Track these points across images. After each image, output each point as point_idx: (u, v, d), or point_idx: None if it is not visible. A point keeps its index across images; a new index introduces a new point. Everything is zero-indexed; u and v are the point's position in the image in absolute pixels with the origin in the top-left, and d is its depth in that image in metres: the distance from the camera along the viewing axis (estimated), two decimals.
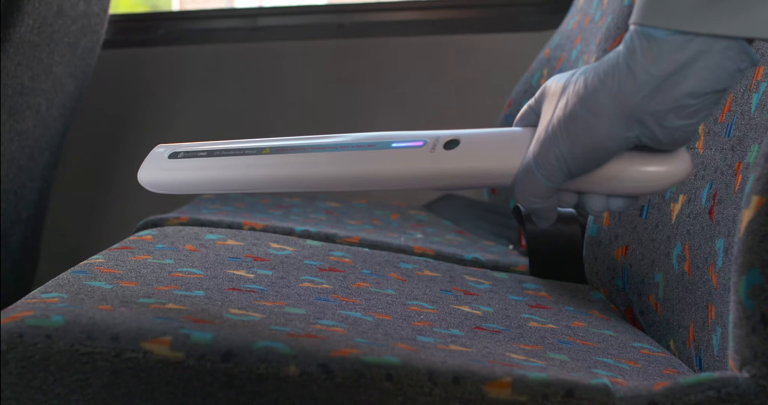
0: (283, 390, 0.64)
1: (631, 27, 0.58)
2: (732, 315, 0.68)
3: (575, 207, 0.67)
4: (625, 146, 0.60)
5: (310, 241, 1.09)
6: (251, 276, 0.88)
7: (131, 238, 1.01)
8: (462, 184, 0.65)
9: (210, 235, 1.04)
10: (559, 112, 0.62)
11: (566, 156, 0.61)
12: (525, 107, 0.68)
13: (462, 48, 2.02)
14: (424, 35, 2.05)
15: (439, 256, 1.23)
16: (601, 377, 0.69)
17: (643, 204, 1.04)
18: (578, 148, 0.60)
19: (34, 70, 1.47)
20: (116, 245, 0.96)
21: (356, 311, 0.80)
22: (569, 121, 0.60)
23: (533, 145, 0.63)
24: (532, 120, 0.67)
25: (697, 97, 0.57)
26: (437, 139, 0.65)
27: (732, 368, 0.67)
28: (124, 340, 0.65)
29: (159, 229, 1.07)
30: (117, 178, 2.12)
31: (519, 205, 0.65)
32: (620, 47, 0.59)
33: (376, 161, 0.65)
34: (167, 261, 0.89)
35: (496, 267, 1.23)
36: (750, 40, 0.57)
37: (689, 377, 0.67)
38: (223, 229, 1.08)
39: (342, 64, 2.06)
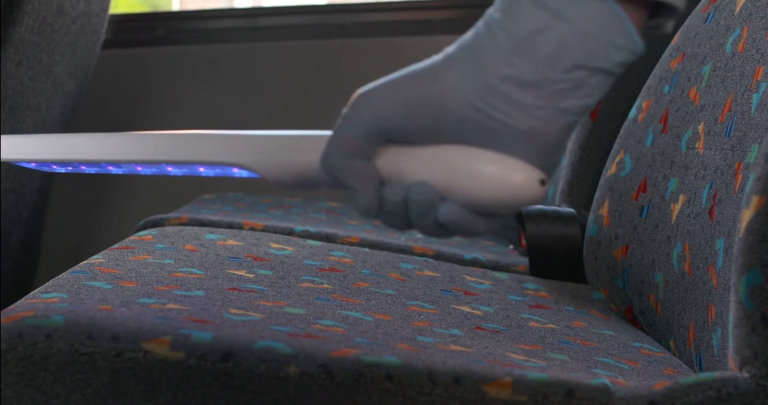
0: (283, 390, 0.64)
1: None
2: (732, 315, 0.68)
3: (401, 212, 0.55)
4: (467, 117, 0.51)
5: (310, 241, 1.09)
6: (251, 276, 0.88)
7: (131, 238, 1.01)
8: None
9: (210, 235, 1.04)
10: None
11: (391, 102, 0.52)
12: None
13: None
14: (424, 35, 2.05)
15: (439, 256, 1.23)
16: (602, 377, 0.69)
17: (643, 204, 1.04)
18: (407, 97, 0.52)
19: (34, 69, 1.47)
20: (116, 245, 0.96)
21: (356, 311, 0.80)
22: (407, 72, 0.53)
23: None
24: None
25: (560, 69, 0.50)
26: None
27: (732, 368, 0.67)
28: (124, 340, 0.65)
29: (159, 229, 1.07)
30: (117, 178, 2.12)
31: (323, 165, 0.54)
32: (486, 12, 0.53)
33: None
34: (167, 261, 0.89)
35: (496, 267, 1.23)
36: (636, 16, 0.51)
37: (689, 377, 0.67)
38: (223, 229, 1.08)
39: (342, 64, 2.06)
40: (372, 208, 0.54)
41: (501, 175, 0.51)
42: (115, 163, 0.61)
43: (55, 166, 0.64)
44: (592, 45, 0.50)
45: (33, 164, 0.64)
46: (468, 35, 0.52)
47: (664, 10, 0.53)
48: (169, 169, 0.62)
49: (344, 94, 2.28)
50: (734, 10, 0.95)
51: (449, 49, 0.53)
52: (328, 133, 0.56)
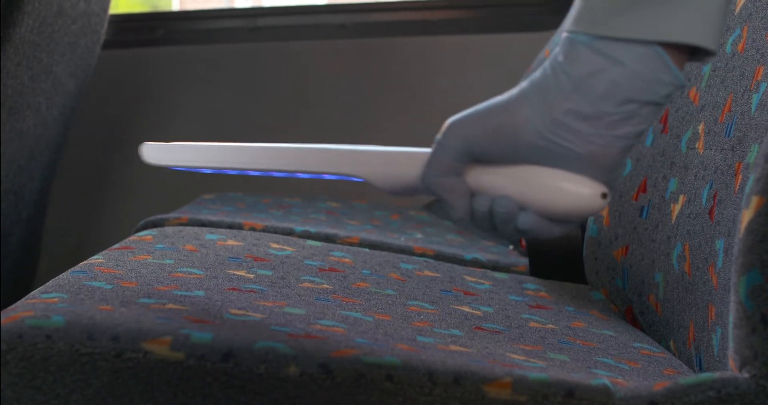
0: (283, 390, 0.64)
1: (562, 35, 0.61)
2: (732, 315, 0.68)
3: (488, 221, 0.65)
4: (537, 146, 0.60)
5: (310, 242, 1.09)
6: (251, 276, 0.88)
7: (131, 238, 1.01)
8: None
9: (210, 235, 1.04)
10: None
11: (476, 131, 0.62)
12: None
13: (462, 48, 2.02)
14: (424, 35, 2.05)
15: (439, 257, 1.23)
16: (602, 377, 0.69)
17: (643, 204, 1.04)
18: (490, 126, 0.61)
19: (34, 69, 1.47)
20: (116, 245, 0.96)
21: (356, 311, 0.81)
22: (489, 105, 0.62)
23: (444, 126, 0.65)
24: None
25: (614, 104, 0.59)
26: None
27: (732, 368, 0.67)
28: (125, 340, 0.65)
29: (159, 229, 1.07)
30: (117, 178, 2.12)
31: (423, 181, 0.66)
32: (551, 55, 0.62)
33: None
34: (167, 261, 0.89)
35: (496, 267, 1.23)
36: (678, 55, 0.59)
37: (689, 377, 0.67)
38: (223, 230, 1.08)
39: (343, 64, 2.06)
40: (464, 216, 0.65)
41: (569, 189, 0.61)
42: (256, 171, 0.73)
43: (203, 170, 0.76)
44: (640, 83, 0.58)
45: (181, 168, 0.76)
46: (537, 74, 0.61)
47: (701, 52, 0.61)
48: (300, 175, 0.73)
49: (344, 94, 2.29)
50: (734, 10, 0.95)
51: (523, 85, 0.62)
52: (428, 150, 0.66)
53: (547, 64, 0.61)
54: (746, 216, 0.68)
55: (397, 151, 0.68)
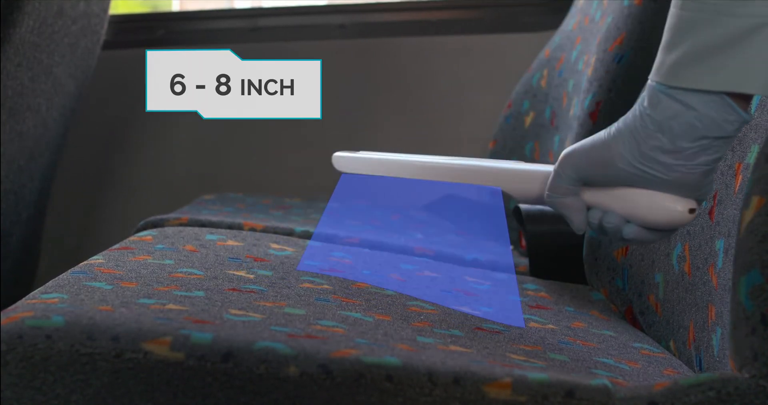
0: (283, 390, 0.64)
1: (648, 83, 0.72)
2: (732, 315, 0.68)
3: (601, 230, 0.78)
4: (633, 173, 0.73)
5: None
6: (251, 276, 0.88)
7: (131, 238, 1.01)
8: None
9: (210, 235, 1.04)
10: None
11: (583, 162, 0.76)
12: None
13: (462, 48, 2.02)
14: (424, 35, 2.05)
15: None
16: (602, 378, 0.69)
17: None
18: (593, 159, 0.75)
19: (34, 70, 1.47)
20: (116, 246, 0.96)
21: (356, 312, 0.80)
22: (593, 140, 0.76)
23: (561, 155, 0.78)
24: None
25: (690, 140, 0.70)
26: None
27: (732, 369, 0.67)
28: (125, 340, 0.65)
29: (159, 229, 1.07)
30: (117, 178, 2.12)
31: (546, 201, 0.80)
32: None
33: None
34: (167, 261, 0.89)
35: (496, 267, 1.23)
36: (742, 96, 0.69)
37: (689, 378, 0.67)
38: (223, 230, 1.08)
39: (342, 64, 2.06)
40: (582, 227, 0.78)
41: (664, 205, 0.73)
42: (419, 179, 0.89)
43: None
44: (711, 123, 0.69)
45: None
46: (629, 115, 0.73)
47: None
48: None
49: (344, 95, 2.28)
50: None
51: (618, 125, 0.74)
52: (550, 168, 0.79)
53: (636, 107, 0.73)
54: (746, 216, 0.68)
55: (525, 169, 0.83)
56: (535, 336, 0.83)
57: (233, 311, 0.74)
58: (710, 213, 0.86)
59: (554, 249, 1.16)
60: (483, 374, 0.65)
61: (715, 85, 0.69)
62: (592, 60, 1.33)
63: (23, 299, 0.74)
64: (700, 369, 0.83)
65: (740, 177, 0.81)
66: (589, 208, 0.79)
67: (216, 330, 0.67)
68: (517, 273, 1.20)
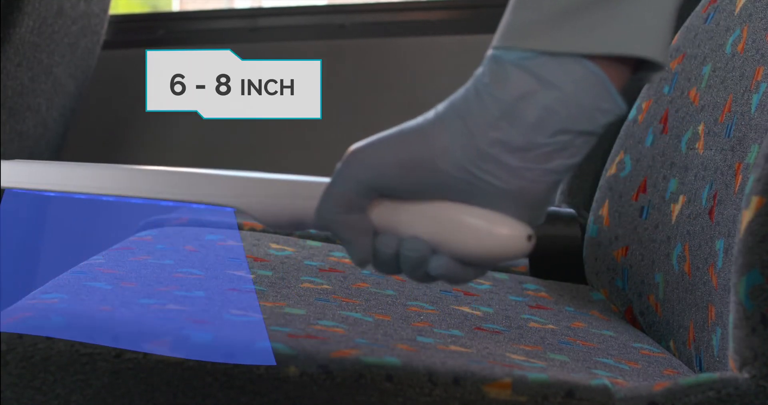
0: (283, 390, 0.64)
1: (487, 53, 0.54)
2: (732, 316, 0.68)
3: (396, 263, 0.57)
4: (458, 179, 0.53)
5: (310, 242, 1.09)
6: (251, 276, 0.88)
7: (131, 238, 1.01)
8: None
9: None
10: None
11: (384, 161, 0.54)
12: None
13: (462, 48, 2.02)
14: (424, 36, 2.05)
15: None
16: (601, 378, 0.69)
17: (643, 205, 1.04)
18: (401, 157, 0.54)
19: (34, 70, 1.47)
20: (116, 246, 0.96)
21: (356, 312, 0.80)
22: (401, 130, 0.55)
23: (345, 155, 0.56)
24: None
25: (547, 134, 0.51)
26: None
27: (732, 369, 0.67)
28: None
29: (159, 229, 1.07)
30: None
31: (318, 217, 0.57)
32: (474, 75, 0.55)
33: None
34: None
35: (495, 267, 1.23)
36: (619, 77, 0.52)
37: (689, 378, 0.67)
38: (223, 230, 1.08)
39: (342, 64, 2.06)
40: (366, 259, 0.56)
41: (489, 230, 0.53)
42: (110, 196, 0.64)
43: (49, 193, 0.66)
44: (577, 110, 0.51)
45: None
46: (458, 95, 0.54)
47: (647, 65, 0.54)
48: (163, 202, 0.63)
49: (343, 95, 2.28)
50: (734, 10, 0.95)
51: (440, 107, 0.54)
52: (324, 180, 0.57)
53: (470, 84, 0.54)
54: (746, 216, 0.68)
55: (284, 179, 0.59)
56: (535, 336, 0.83)
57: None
58: (710, 213, 0.86)
59: (554, 249, 1.16)
60: (483, 374, 0.65)
61: (588, 46, 0.50)
62: None
63: (23, 299, 0.74)
64: (700, 369, 0.83)
65: (740, 177, 0.81)
66: (378, 233, 0.56)
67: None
68: (517, 273, 1.20)
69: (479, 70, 0.54)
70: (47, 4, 1.44)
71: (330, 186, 0.56)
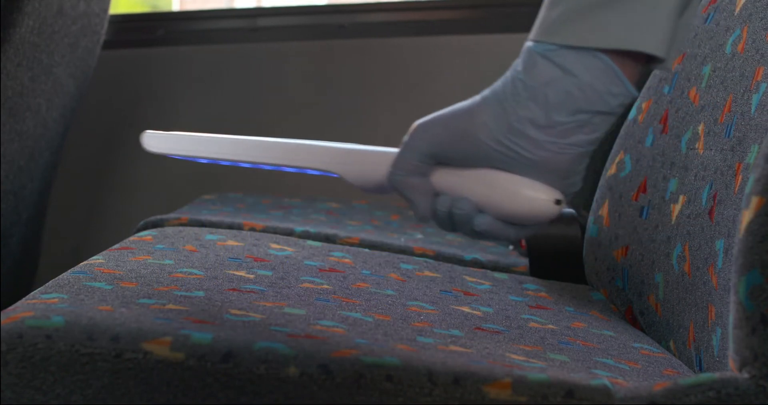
0: (283, 390, 0.64)
1: (525, 45, 0.65)
2: (732, 316, 0.68)
3: (449, 219, 0.68)
4: (495, 150, 0.64)
5: (310, 242, 1.09)
6: (251, 277, 0.88)
7: (131, 238, 1.01)
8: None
9: (210, 235, 1.04)
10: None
11: (440, 134, 0.65)
12: None
13: (462, 48, 2.02)
14: (424, 36, 2.05)
15: (439, 257, 1.23)
16: (601, 378, 0.69)
17: (643, 205, 1.04)
18: (452, 130, 0.65)
19: (34, 70, 1.47)
20: (116, 246, 0.96)
21: (356, 312, 0.81)
22: (454, 109, 0.66)
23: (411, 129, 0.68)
24: None
25: (566, 113, 0.62)
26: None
27: (732, 369, 0.67)
28: (125, 340, 0.65)
29: (159, 229, 1.07)
30: (117, 178, 2.12)
31: (389, 180, 0.69)
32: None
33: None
34: (167, 261, 0.89)
35: (496, 267, 1.23)
36: (630, 66, 0.61)
37: (689, 378, 0.67)
38: (223, 230, 1.08)
39: (342, 64, 2.06)
40: (427, 215, 0.68)
41: (521, 193, 0.64)
42: (246, 163, 0.76)
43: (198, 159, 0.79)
44: (592, 94, 0.62)
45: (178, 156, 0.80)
46: (499, 82, 0.65)
47: (656, 59, 0.64)
48: (284, 168, 0.76)
49: (343, 95, 2.28)
50: (734, 10, 0.95)
51: (485, 92, 0.65)
52: (396, 150, 0.68)
53: (508, 72, 0.64)
54: (746, 216, 0.68)
55: (368, 149, 0.71)
56: (535, 336, 0.83)
57: (233, 311, 0.74)
58: (710, 213, 0.86)
59: (554, 249, 1.16)
60: (483, 374, 0.65)
61: (599, 41, 0.61)
62: None
63: (23, 299, 0.74)
64: (700, 369, 0.83)
65: (740, 177, 0.81)
66: (437, 194, 0.68)
67: (216, 330, 0.67)
68: (517, 273, 1.20)
69: (516, 61, 0.65)
70: (47, 4, 1.44)
71: (398, 154, 0.67)
